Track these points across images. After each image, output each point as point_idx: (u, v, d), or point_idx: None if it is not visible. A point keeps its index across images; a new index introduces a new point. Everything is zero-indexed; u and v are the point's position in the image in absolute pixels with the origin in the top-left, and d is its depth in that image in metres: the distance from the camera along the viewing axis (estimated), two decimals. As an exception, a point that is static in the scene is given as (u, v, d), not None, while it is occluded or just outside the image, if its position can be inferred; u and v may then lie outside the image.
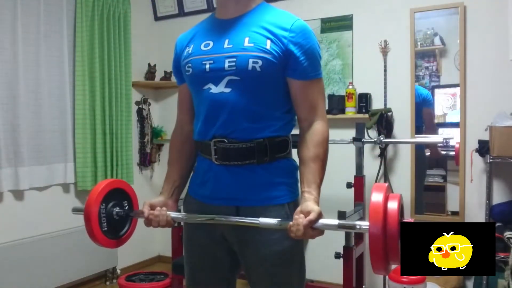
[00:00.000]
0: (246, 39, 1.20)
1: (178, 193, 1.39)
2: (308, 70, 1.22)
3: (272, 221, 1.15)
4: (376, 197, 1.02)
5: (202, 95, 1.25)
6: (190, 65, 1.26)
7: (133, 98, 3.54)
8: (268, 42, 1.19)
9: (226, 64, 1.19)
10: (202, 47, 1.25)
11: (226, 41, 1.22)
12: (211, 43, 1.25)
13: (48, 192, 3.00)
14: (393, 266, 1.07)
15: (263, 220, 1.15)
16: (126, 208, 1.39)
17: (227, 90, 1.20)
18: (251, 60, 1.17)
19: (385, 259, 0.99)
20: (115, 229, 1.35)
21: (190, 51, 1.28)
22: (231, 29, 1.24)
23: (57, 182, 3.04)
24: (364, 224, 1.04)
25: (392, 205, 1.01)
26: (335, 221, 1.11)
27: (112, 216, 1.33)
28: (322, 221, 1.11)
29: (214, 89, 1.21)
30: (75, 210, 1.38)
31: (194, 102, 1.33)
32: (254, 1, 1.28)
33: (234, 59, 1.19)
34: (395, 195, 1.05)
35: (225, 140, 1.22)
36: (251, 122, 1.21)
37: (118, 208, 1.35)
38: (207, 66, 1.22)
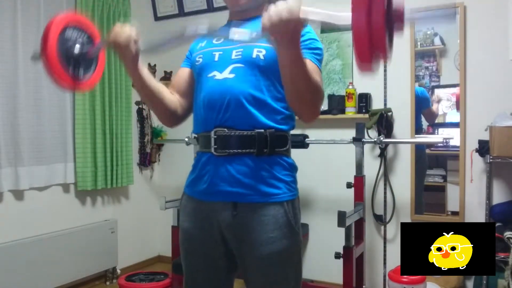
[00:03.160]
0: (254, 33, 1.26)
1: (145, 71, 1.29)
2: (304, 50, 1.21)
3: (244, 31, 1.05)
4: None
5: (206, 83, 1.29)
6: (201, 56, 1.33)
7: (133, 98, 3.54)
8: None
9: (233, 54, 1.27)
10: (214, 41, 1.34)
11: None
12: (223, 38, 1.33)
13: (48, 192, 3.00)
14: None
15: (233, 32, 1.06)
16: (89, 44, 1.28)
17: (231, 75, 1.25)
18: (255, 50, 1.24)
19: (370, 53, 0.87)
20: (76, 70, 1.26)
21: (202, 45, 1.37)
22: (241, 27, 1.30)
23: (57, 182, 3.04)
24: (345, 14, 0.90)
25: None
26: (320, 11, 0.96)
27: (73, 52, 1.24)
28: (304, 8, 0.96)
29: (219, 75, 1.26)
30: (34, 57, 1.26)
31: (195, 93, 1.35)
32: (263, 10, 1.35)
33: (241, 49, 1.26)
34: None
35: (225, 129, 1.24)
36: (252, 107, 1.23)
37: (79, 44, 1.25)
38: (216, 56, 1.30)
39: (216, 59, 1.28)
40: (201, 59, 1.32)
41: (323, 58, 1.33)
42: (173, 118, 1.40)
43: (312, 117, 1.22)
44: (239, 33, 1.04)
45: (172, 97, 1.38)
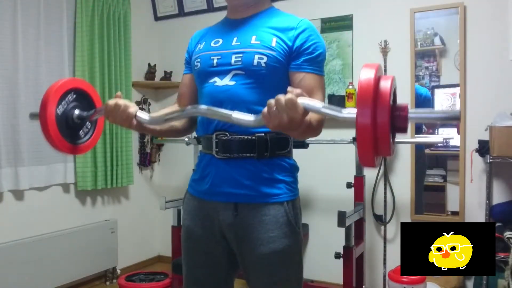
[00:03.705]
0: (253, 37, 1.26)
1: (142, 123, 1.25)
2: (307, 63, 1.24)
3: (247, 116, 1.03)
4: (366, 74, 0.86)
5: (207, 88, 1.29)
6: (199, 60, 1.32)
7: (133, 98, 3.54)
8: (274, 40, 1.24)
9: (233, 60, 1.25)
10: (212, 44, 1.32)
11: (235, 39, 1.28)
12: (221, 41, 1.31)
13: (48, 192, 3.00)
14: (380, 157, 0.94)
15: (236, 114, 1.04)
16: (89, 111, 1.28)
17: (232, 83, 1.24)
18: (256, 56, 1.22)
19: (374, 150, 0.87)
20: (75, 133, 1.27)
21: (201, 48, 1.35)
22: (240, 28, 1.30)
23: (57, 182, 3.04)
24: (351, 111, 0.91)
25: (384, 87, 0.88)
26: (320, 103, 0.96)
27: (72, 117, 1.24)
28: (303, 100, 0.95)
29: (219, 82, 1.26)
30: (32, 115, 1.27)
31: (198, 97, 1.36)
32: (263, 5, 1.34)
33: (241, 55, 1.24)
34: (388, 76, 0.93)
35: (226, 133, 1.24)
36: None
37: (78, 109, 1.25)
38: (215, 61, 1.28)
39: (215, 64, 1.27)
40: (199, 64, 1.32)
41: (325, 58, 1.32)
42: (189, 131, 1.42)
43: (314, 137, 1.25)
44: (240, 116, 1.03)
45: (179, 122, 1.37)
